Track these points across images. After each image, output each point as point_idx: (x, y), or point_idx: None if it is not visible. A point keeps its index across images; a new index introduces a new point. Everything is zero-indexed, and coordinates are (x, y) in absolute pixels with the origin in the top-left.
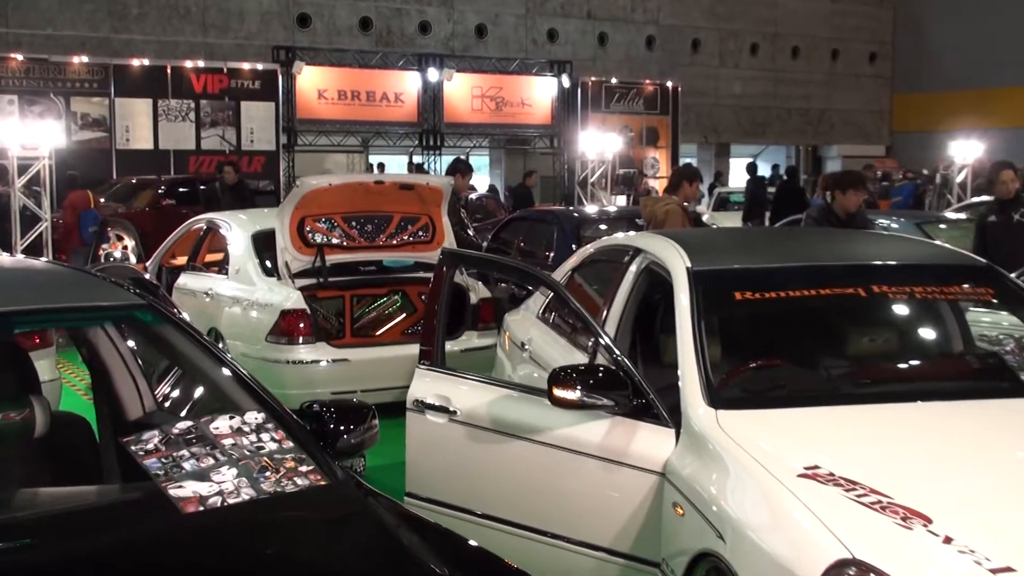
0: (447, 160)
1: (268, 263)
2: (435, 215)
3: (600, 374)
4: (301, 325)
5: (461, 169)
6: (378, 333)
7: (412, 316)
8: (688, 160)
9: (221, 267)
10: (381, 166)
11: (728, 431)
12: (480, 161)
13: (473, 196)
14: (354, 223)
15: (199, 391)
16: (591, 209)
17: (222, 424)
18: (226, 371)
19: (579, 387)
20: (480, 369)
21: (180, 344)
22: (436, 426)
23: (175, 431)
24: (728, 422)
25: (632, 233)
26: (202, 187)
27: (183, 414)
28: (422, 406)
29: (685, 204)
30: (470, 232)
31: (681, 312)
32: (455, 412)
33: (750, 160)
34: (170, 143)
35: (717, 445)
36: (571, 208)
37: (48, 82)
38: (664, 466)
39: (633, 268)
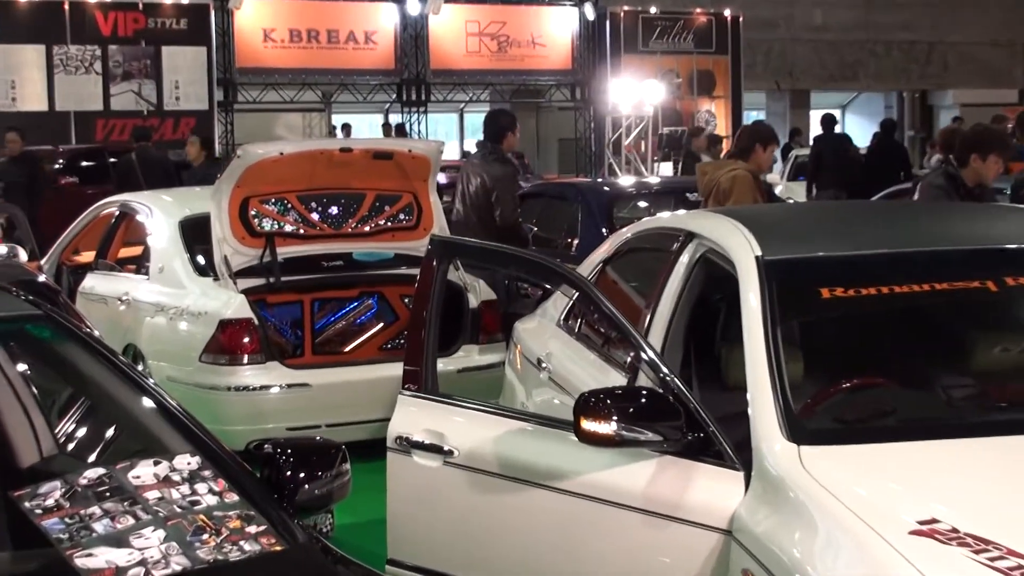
0: (435, 120)
1: (201, 259)
2: (420, 192)
3: (643, 400)
4: (246, 340)
5: (507, 124)
6: (347, 349)
7: (392, 326)
8: (756, 114)
9: (140, 265)
10: (347, 128)
11: (815, 474)
12: (475, 121)
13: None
14: (314, 204)
15: (113, 428)
16: (626, 181)
17: (144, 472)
18: (148, 401)
19: (615, 417)
20: (483, 395)
21: (87, 367)
22: (426, 471)
23: (82, 481)
24: (815, 462)
25: (683, 213)
26: (113, 160)
27: (92, 459)
28: (408, 445)
29: (757, 173)
30: (529, 228)
31: (750, 316)
32: (451, 452)
33: (826, 113)
34: (70, 103)
35: (801, 493)
36: (600, 180)
37: None
38: (730, 521)
39: (685, 259)
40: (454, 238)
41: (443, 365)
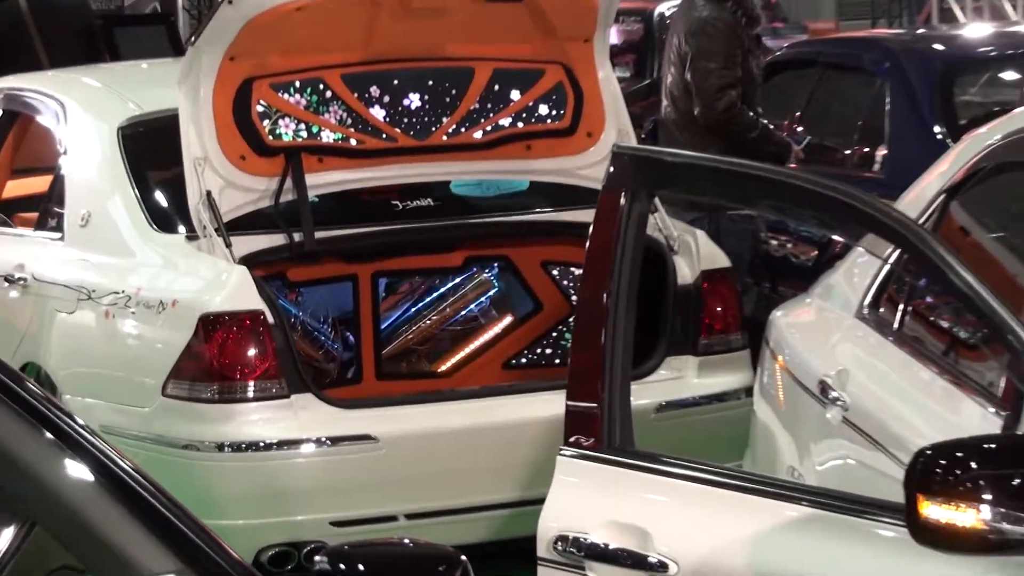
0: None
1: (163, 199)
2: (579, 63)
3: None
4: (251, 351)
5: None
6: (444, 368)
7: (530, 324)
8: None
9: (44, 214)
10: None
11: None
12: None
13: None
14: (375, 92)
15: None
16: (978, 32)
17: None
18: (77, 467)
19: (989, 496)
20: (712, 452)
21: None
22: None
23: None
24: None
25: None
26: None
27: None
28: (579, 553)
29: None
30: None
31: None
32: (664, 567)
33: None
34: None
35: None
36: (923, 32)
37: None
38: None
39: None
40: (655, 151)
41: (636, 397)
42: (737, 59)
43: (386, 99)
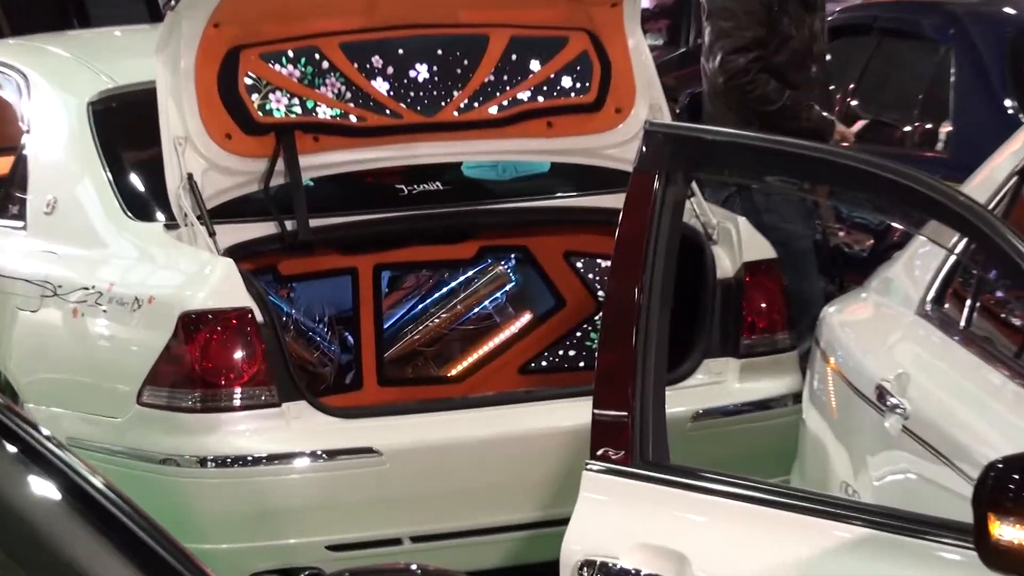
0: None
1: (139, 183)
2: (606, 30)
3: None
4: (238, 354)
5: None
6: (454, 373)
7: (550, 323)
8: None
9: (5, 199)
10: None
11: None
12: None
13: None
14: (379, 63)
15: None
16: None
17: None
18: (42, 484)
19: None
20: (755, 467)
21: None
22: None
23: None
24: None
25: None
26: None
27: None
28: None
29: None
30: None
31: None
32: None
33: None
34: None
35: None
36: None
37: None
38: None
39: None
40: (692, 128)
41: (670, 404)
42: (759, 17)
43: (390, 71)
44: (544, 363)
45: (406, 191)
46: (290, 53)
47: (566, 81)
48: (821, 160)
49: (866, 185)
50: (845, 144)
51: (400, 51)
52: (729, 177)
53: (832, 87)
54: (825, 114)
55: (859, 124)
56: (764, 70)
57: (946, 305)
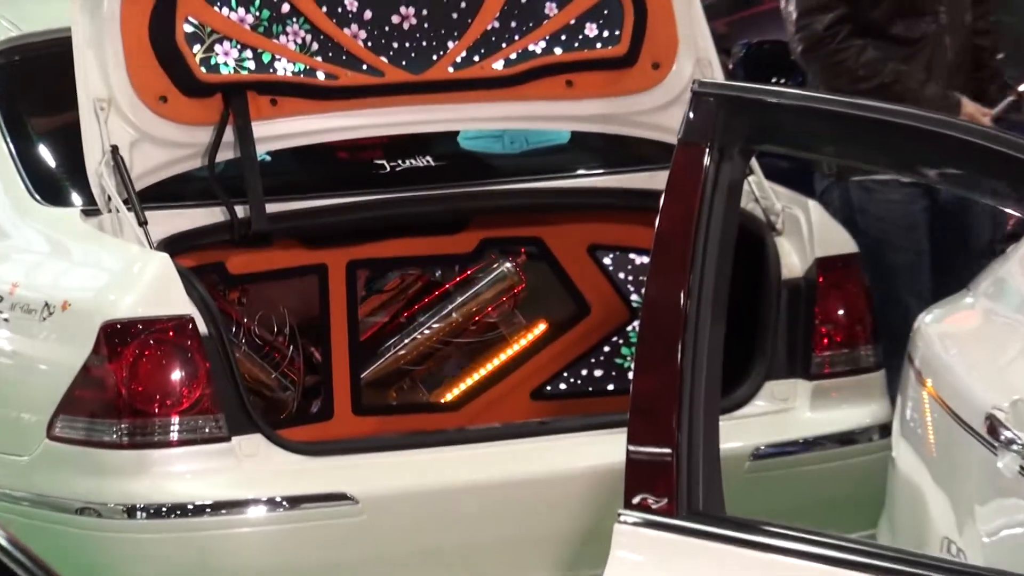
0: None
1: (49, 158)
2: None
3: None
4: (175, 375)
5: None
6: (449, 398)
7: (573, 333)
8: None
9: None
10: None
11: None
12: None
13: None
14: (352, 5)
15: None
16: None
17: None
18: None
19: None
20: (831, 515)
21: None
22: None
23: None
24: None
25: None
26: None
27: None
28: None
29: None
30: None
31: None
32: None
33: None
34: None
35: None
36: None
37: None
38: None
39: None
40: (751, 89)
41: (724, 439)
42: None
43: (367, 15)
44: (563, 386)
45: (388, 168)
46: None
47: (590, 28)
48: (934, 133)
49: (991, 166)
50: None
51: None
52: (801, 152)
53: (990, 40)
54: (949, 92)
55: (1006, 102)
56: (856, 33)
57: None
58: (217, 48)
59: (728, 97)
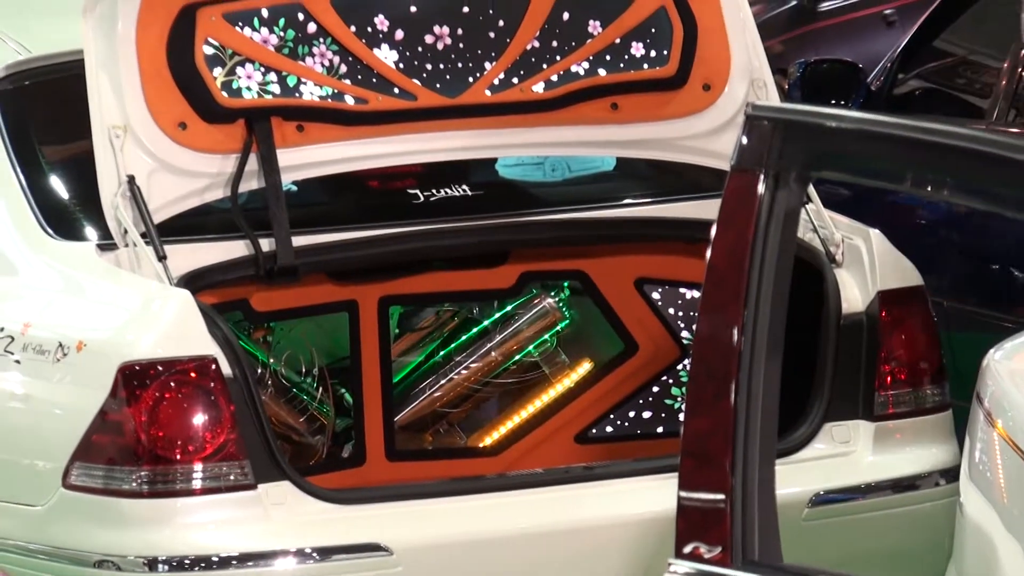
0: None
1: (62, 190)
2: None
3: None
4: (197, 419)
5: None
6: (488, 443)
7: (619, 372)
8: None
9: None
10: None
11: None
12: None
13: None
14: (384, 26)
15: None
16: None
17: None
18: None
19: None
20: (896, 564)
21: None
22: None
23: None
24: None
25: None
26: None
27: None
28: None
29: None
30: None
31: None
32: None
33: None
34: None
35: None
36: None
37: None
38: None
39: None
40: (809, 112)
41: (781, 485)
42: None
43: (399, 35)
44: (609, 429)
45: (422, 199)
46: (264, 12)
47: (636, 48)
48: (1011, 160)
49: None
50: None
51: (413, 8)
52: (862, 179)
53: None
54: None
55: None
56: None
57: None
58: (239, 71)
59: (784, 121)
